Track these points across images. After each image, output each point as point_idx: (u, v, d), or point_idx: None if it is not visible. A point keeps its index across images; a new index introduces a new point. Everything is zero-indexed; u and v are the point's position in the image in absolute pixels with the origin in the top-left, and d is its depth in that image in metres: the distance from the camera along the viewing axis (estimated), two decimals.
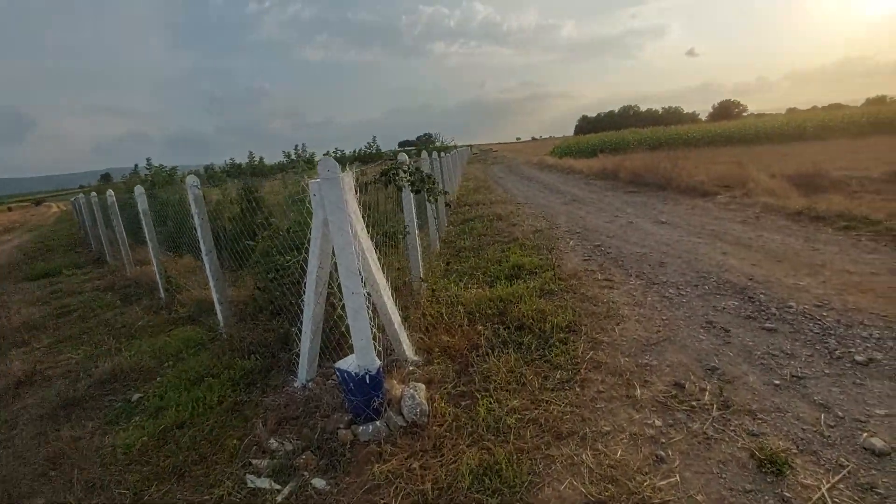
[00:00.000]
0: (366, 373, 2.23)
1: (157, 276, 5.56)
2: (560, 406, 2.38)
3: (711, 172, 11.06)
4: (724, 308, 3.44)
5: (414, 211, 4.27)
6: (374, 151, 44.18)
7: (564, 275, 4.52)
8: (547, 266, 4.81)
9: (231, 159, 33.90)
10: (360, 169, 3.23)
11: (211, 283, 3.83)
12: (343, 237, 2.05)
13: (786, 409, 2.21)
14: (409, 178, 3.16)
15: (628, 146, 31.01)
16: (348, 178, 2.11)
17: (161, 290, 5.55)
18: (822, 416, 2.14)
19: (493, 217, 8.49)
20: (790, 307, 3.33)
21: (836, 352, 2.66)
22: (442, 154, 14.54)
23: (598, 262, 5.01)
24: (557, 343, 3.02)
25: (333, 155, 42.97)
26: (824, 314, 3.17)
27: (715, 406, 2.27)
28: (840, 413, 2.15)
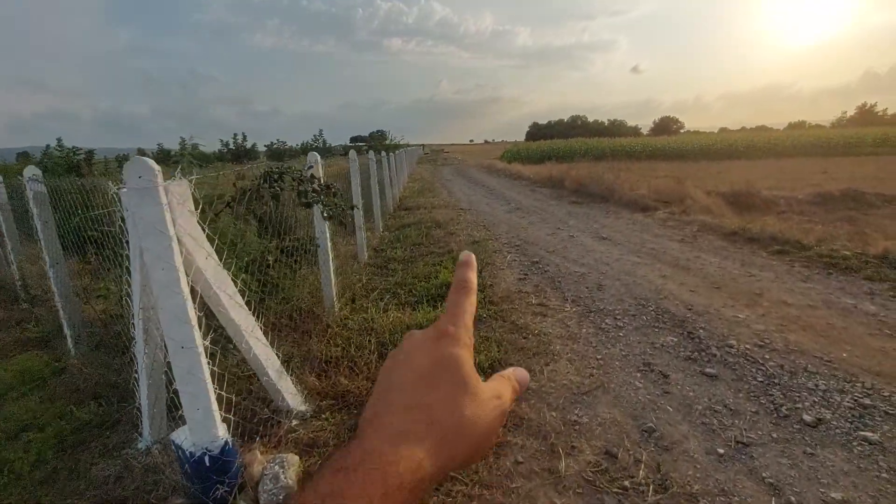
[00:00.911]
0: (204, 453, 1.64)
1: (16, 283, 4.62)
2: (466, 486, 1.89)
3: (652, 186, 11.17)
4: (662, 345, 3.11)
5: (326, 223, 3.68)
6: (320, 145, 42.36)
7: (497, 297, 4.08)
8: (478, 286, 4.35)
9: (160, 145, 31.30)
10: (238, 171, 2.61)
11: (57, 302, 3.06)
12: (165, 273, 1.45)
13: (731, 490, 1.84)
14: (298, 187, 2.56)
15: (575, 155, 31.65)
16: (180, 189, 1.51)
17: (21, 301, 4.61)
18: (773, 502, 1.78)
19: (433, 224, 8.00)
20: (731, 346, 3.04)
21: (783, 408, 2.36)
22: (391, 153, 13.91)
23: (535, 282, 4.62)
24: None
25: (274, 147, 40.94)
26: (766, 356, 2.89)
27: (651, 487, 1.87)
28: (793, 498, 1.80)
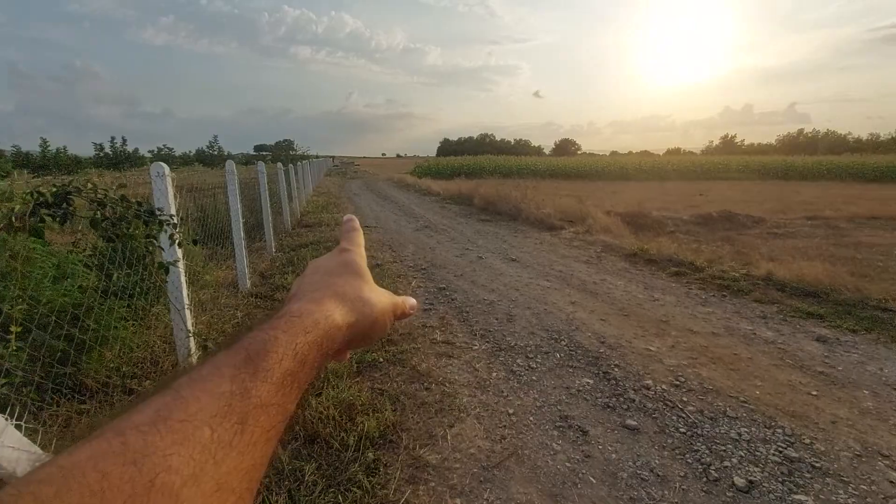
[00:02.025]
0: None
1: None
2: None
3: (557, 205, 11.43)
4: (578, 390, 2.78)
5: (178, 248, 2.91)
6: (215, 153, 38.75)
7: (397, 334, 3.55)
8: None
9: (16, 146, 26.33)
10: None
11: None
12: None
13: None
14: (95, 210, 1.81)
15: (484, 171, 32.44)
16: None
17: None
18: None
19: (333, 244, 7.27)
20: (648, 387, 2.80)
21: (712, 468, 2.09)
22: (296, 164, 12.86)
23: (441, 312, 4.17)
24: (361, 473, 1.98)
25: (162, 153, 36.64)
26: (684, 399, 2.68)
27: None
28: None
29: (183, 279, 2.95)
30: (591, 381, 2.88)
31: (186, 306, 3.00)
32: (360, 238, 0.49)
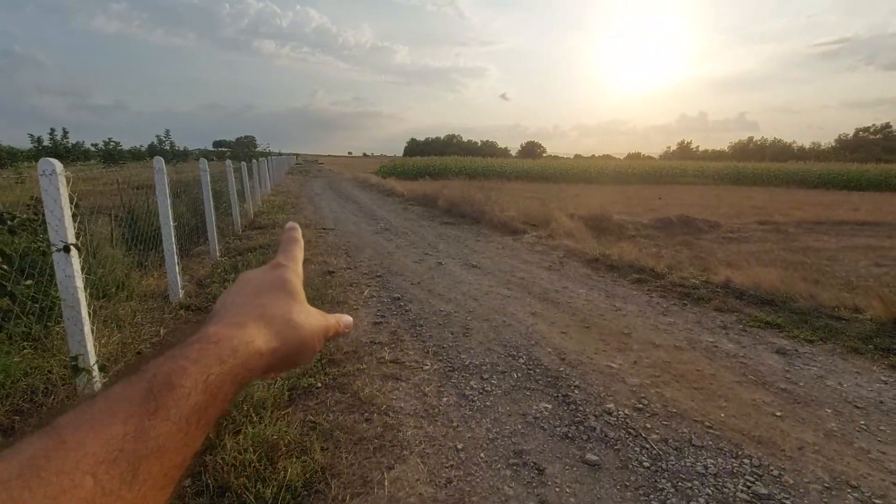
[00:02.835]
0: None
1: None
2: None
3: (521, 208, 11.31)
4: (536, 418, 2.54)
5: (74, 258, 2.48)
6: (167, 148, 36.54)
7: (341, 353, 3.22)
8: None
9: None
10: None
11: None
12: None
13: None
14: None
15: (450, 172, 32.25)
16: None
17: None
18: None
19: None
20: (609, 412, 2.59)
21: None
22: (252, 161, 12.21)
23: (392, 326, 3.86)
24: None
25: (110, 147, 34.37)
26: (648, 426, 2.48)
27: None
28: None
29: (81, 295, 2.53)
30: (550, 406, 2.65)
31: (87, 323, 2.58)
32: (299, 251, 0.46)
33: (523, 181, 31.20)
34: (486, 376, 2.99)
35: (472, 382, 2.90)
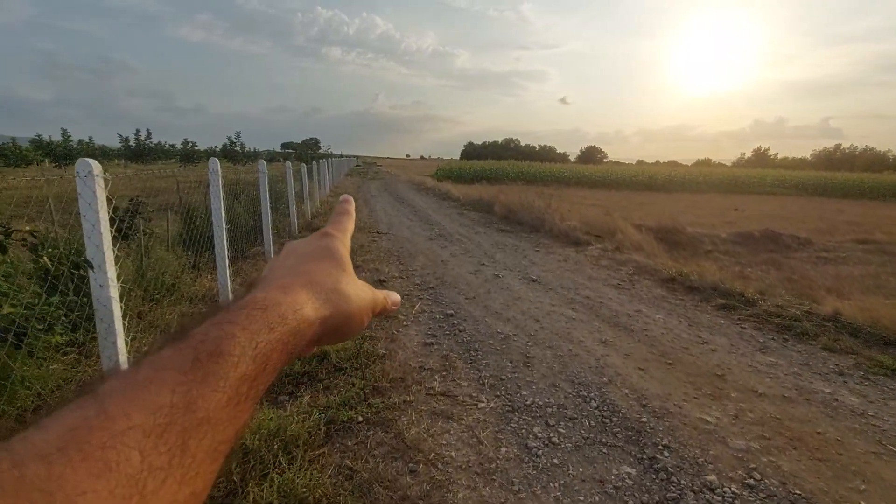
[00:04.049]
0: None
1: None
2: None
3: (583, 216, 10.64)
4: (617, 487, 2.06)
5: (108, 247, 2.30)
6: (238, 149, 38.51)
7: (386, 380, 2.88)
8: (366, 358, 3.14)
9: (39, 135, 26.62)
10: None
11: None
12: None
13: None
14: None
15: (507, 177, 31.64)
16: None
17: None
18: None
19: None
20: (712, 487, 2.07)
21: None
22: (312, 163, 12.40)
23: (444, 349, 3.49)
24: None
25: (188, 147, 36.65)
26: None
27: None
28: None
29: (116, 306, 2.34)
30: (634, 472, 2.16)
31: (120, 335, 2.40)
32: (350, 224, 0.44)
33: (583, 187, 30.03)
34: (552, 422, 2.53)
35: (535, 429, 2.45)
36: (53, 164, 25.83)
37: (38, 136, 26.39)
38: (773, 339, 4.06)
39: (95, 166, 2.26)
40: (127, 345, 2.48)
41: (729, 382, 3.12)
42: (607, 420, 2.58)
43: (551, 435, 2.41)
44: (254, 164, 7.65)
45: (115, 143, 35.05)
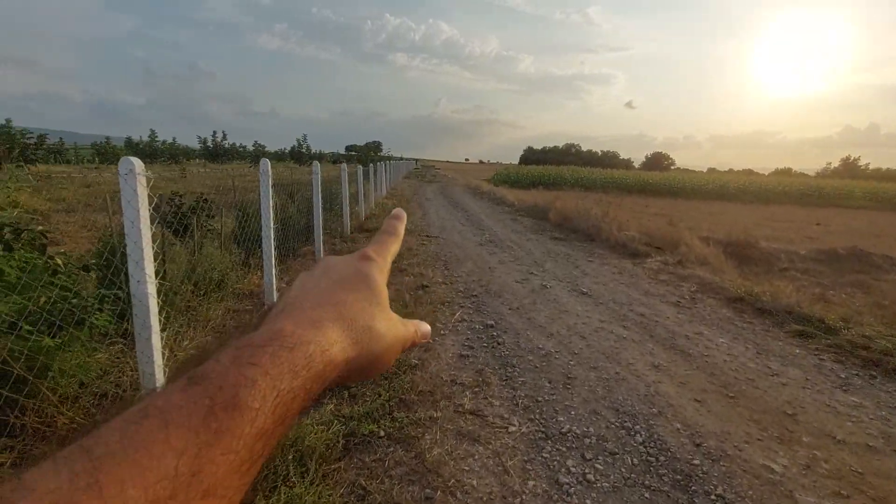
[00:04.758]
0: None
1: None
2: None
3: (643, 226, 10.05)
4: None
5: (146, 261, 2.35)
6: (304, 150, 40.49)
7: (414, 392, 2.77)
8: (397, 367, 3.04)
9: (128, 137, 29.34)
10: None
11: None
12: None
13: None
14: None
15: (565, 183, 30.81)
16: None
17: None
18: None
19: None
20: None
21: None
22: (369, 166, 12.67)
23: (480, 362, 3.32)
24: None
25: (255, 150, 39.07)
26: None
27: None
28: None
29: (152, 302, 2.39)
30: None
31: (155, 331, 2.44)
32: (395, 246, 0.41)
33: (647, 195, 28.62)
34: (589, 455, 2.30)
35: (569, 462, 2.24)
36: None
37: (129, 137, 29.05)
38: (857, 374, 3.55)
39: (137, 164, 2.31)
40: (162, 340, 2.53)
41: (801, 424, 2.73)
42: (653, 459, 2.31)
43: (587, 471, 2.18)
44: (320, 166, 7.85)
45: (194, 144, 37.96)
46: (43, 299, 2.15)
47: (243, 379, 0.23)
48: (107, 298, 2.61)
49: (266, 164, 4.41)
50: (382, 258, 0.38)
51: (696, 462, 2.28)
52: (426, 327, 0.40)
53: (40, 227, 1.77)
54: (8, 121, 16.67)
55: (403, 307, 4.31)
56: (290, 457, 1.99)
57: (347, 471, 2.06)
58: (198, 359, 0.24)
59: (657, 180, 33.98)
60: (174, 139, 34.71)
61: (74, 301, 2.37)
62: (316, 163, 6.73)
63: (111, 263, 2.93)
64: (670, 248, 8.41)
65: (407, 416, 2.49)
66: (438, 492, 1.97)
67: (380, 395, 2.66)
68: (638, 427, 2.57)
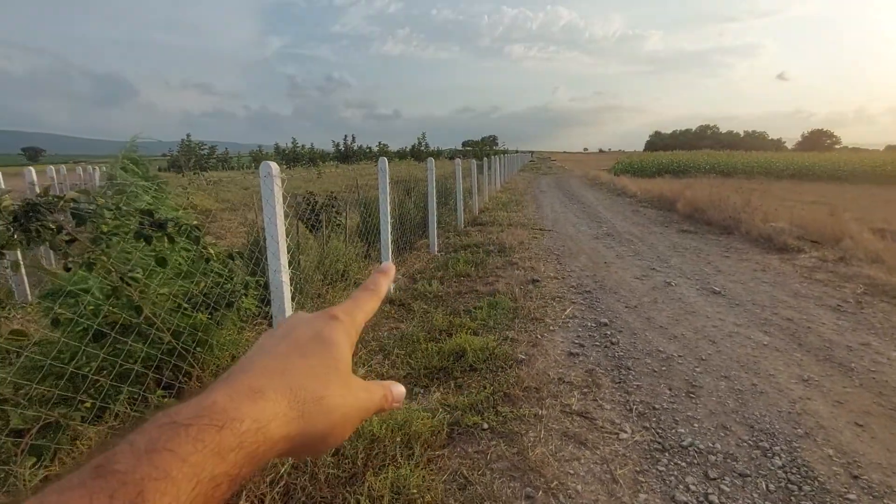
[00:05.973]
0: None
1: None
2: None
3: (795, 217, 8.67)
4: None
5: (282, 254, 2.65)
6: (423, 148, 42.63)
7: (520, 388, 2.74)
8: (503, 361, 3.04)
9: (276, 144, 33.85)
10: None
11: None
12: None
13: None
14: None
15: (698, 169, 27.83)
16: None
17: None
18: None
19: (495, 248, 6.71)
20: None
21: None
22: (485, 160, 12.84)
23: (590, 362, 3.17)
24: None
25: (379, 150, 41.99)
26: None
27: None
28: None
29: (286, 289, 2.70)
30: None
31: (288, 313, 2.76)
32: (371, 305, 0.39)
33: (803, 180, 24.64)
34: (713, 474, 2.07)
35: (689, 479, 2.03)
36: (284, 166, 32.69)
37: (277, 144, 33.52)
38: None
39: (274, 167, 2.62)
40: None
41: None
42: (795, 487, 1.99)
43: (710, 491, 1.97)
44: (437, 162, 8.18)
45: (329, 148, 42.24)
46: (203, 284, 2.56)
47: (153, 471, 0.21)
48: (251, 285, 3.00)
49: (384, 162, 4.69)
50: (351, 318, 0.36)
51: (851, 497, 1.92)
52: (400, 389, 0.38)
53: (195, 222, 2.11)
54: (188, 136, 19.59)
55: (513, 301, 4.29)
56: (399, 439, 2.11)
57: (451, 458, 2.12)
58: (103, 452, 0.21)
59: (815, 163, 29.07)
60: (312, 144, 39.06)
61: (227, 286, 2.78)
62: (430, 159, 6.97)
63: (253, 254, 3.38)
64: (830, 242, 7.16)
65: (511, 412, 2.48)
66: (540, 492, 1.93)
67: (484, 388, 2.69)
68: (777, 448, 2.24)
